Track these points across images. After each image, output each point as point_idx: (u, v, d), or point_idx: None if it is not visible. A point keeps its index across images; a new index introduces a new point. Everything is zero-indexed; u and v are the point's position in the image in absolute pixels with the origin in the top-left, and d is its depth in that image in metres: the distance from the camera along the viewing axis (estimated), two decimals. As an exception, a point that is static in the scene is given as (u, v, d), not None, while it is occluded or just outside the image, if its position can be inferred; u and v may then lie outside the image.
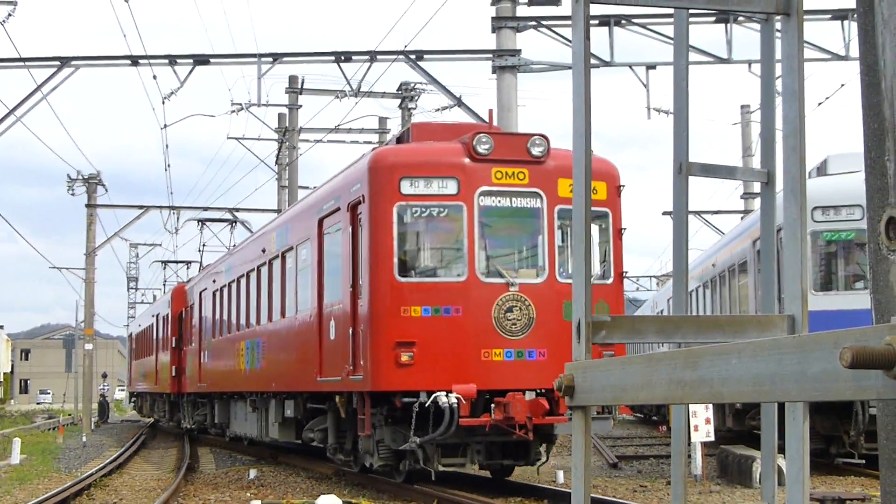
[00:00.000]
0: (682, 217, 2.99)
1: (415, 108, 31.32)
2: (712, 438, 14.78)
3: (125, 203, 44.14)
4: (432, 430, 12.45)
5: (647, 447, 24.17)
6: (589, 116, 2.50)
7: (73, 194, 41.99)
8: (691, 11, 2.99)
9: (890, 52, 1.45)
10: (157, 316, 36.24)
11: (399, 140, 15.85)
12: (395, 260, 13.27)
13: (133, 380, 49.60)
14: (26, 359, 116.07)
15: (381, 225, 13.33)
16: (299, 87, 32.87)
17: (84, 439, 34.41)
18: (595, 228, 13.87)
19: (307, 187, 27.44)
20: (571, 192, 13.00)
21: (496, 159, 13.41)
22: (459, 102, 23.92)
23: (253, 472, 19.39)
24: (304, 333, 16.69)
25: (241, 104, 31.45)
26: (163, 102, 27.41)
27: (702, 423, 14.00)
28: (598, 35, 21.37)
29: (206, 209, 42.92)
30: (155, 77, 25.25)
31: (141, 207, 43.12)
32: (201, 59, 24.02)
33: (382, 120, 35.97)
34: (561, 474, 15.57)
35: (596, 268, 13.87)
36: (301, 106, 34.30)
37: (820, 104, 27.75)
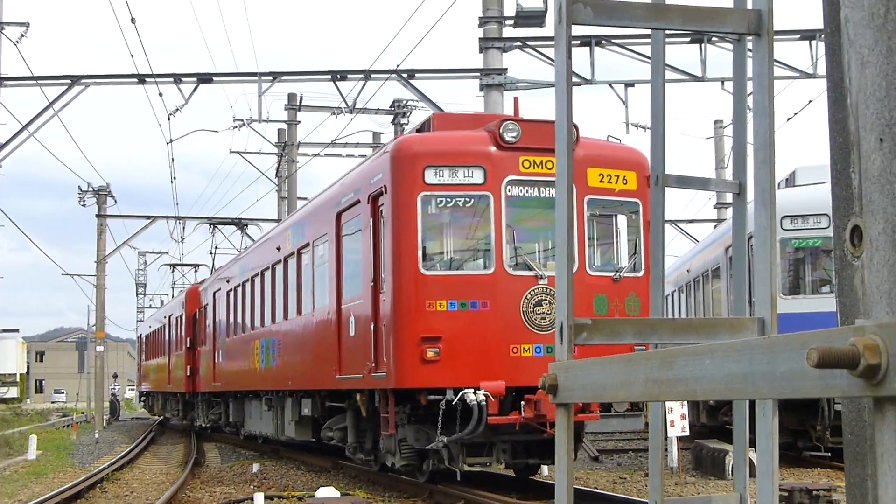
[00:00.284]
0: (658, 225, 2.99)
1: (407, 124, 31.28)
2: (687, 433, 14.80)
3: (133, 213, 44.02)
4: (459, 429, 11.34)
5: (626, 441, 24.17)
6: (570, 131, 2.50)
7: (84, 205, 42.00)
8: (668, 32, 2.99)
9: (855, 70, 1.45)
10: (170, 317, 35.18)
11: (420, 130, 14.24)
12: (420, 252, 11.97)
13: (143, 379, 48.76)
14: (41, 360, 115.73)
15: (405, 216, 12.05)
16: (298, 104, 32.97)
17: (96, 436, 34.28)
18: (623, 219, 12.95)
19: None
20: (602, 181, 12.89)
21: (523, 147, 12.10)
22: (449, 118, 23.95)
23: (256, 467, 19.34)
24: (321, 331, 15.35)
25: (242, 120, 31.48)
26: (168, 119, 27.48)
27: (677, 419, 13.98)
28: (580, 54, 21.41)
29: (210, 219, 42.92)
30: (161, 95, 25.26)
31: (148, 218, 43.16)
32: (205, 78, 24.01)
33: (376, 135, 35.94)
34: (546, 469, 15.57)
35: (624, 260, 12.87)
36: (299, 122, 34.30)
37: (789, 119, 27.83)
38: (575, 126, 12.43)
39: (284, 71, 24.66)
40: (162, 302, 54.98)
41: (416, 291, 11.94)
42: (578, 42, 20.86)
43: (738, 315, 2.69)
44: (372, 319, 12.68)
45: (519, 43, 21.25)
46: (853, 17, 1.50)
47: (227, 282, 24.36)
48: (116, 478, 18.83)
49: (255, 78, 24.28)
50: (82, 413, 57.15)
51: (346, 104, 24.22)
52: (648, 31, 2.93)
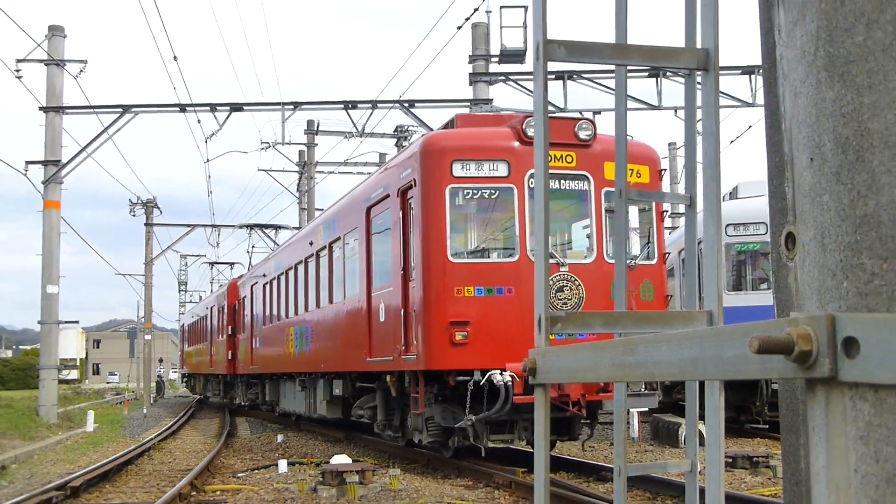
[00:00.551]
0: (622, 233, 2.98)
1: (409, 146, 31.29)
2: (646, 409, 14.79)
3: (176, 222, 44.39)
4: (487, 408, 10.60)
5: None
6: (547, 153, 2.49)
7: (134, 215, 42.06)
8: (629, 68, 2.98)
9: (789, 100, 1.45)
10: (212, 308, 34.20)
11: (445, 129, 13.18)
12: (448, 241, 11.05)
13: (186, 363, 48.11)
14: (98, 347, 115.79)
15: (434, 207, 11.14)
16: (315, 129, 33.04)
17: (145, 411, 34.21)
18: (633, 210, 11.55)
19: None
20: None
21: None
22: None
23: (280, 437, 19.32)
24: (352, 317, 14.33)
25: (268, 143, 31.33)
26: (205, 141, 27.54)
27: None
28: (555, 87, 21.39)
29: (241, 227, 43.19)
30: (199, 121, 25.22)
31: (189, 226, 43.46)
32: (236, 107, 24.02)
33: (382, 156, 35.86)
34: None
35: (636, 249, 11.86)
36: (317, 144, 34.29)
37: (732, 142, 27.92)
38: (592, 122, 11.75)
39: (304, 101, 24.66)
40: (200, 297, 54.80)
41: (444, 278, 11.05)
42: (553, 76, 20.86)
43: (690, 308, 2.69)
44: (402, 306, 11.80)
45: (503, 77, 21.25)
46: (787, 55, 1.50)
47: (264, 276, 23.53)
48: (161, 447, 18.80)
49: (279, 107, 24.27)
50: (132, 392, 57.04)
51: (357, 129, 24.21)
52: (613, 67, 2.93)
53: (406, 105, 22.93)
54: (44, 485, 12.13)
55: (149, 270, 44.84)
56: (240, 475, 13.49)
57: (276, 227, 38.33)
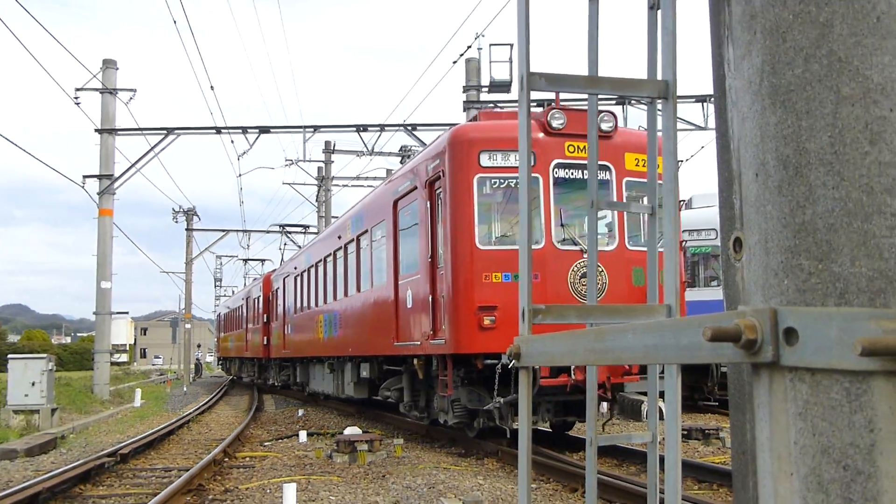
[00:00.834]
0: (593, 238, 2.97)
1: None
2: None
3: (212, 227, 44.20)
4: (514, 391, 9.50)
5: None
6: (529, 170, 2.48)
7: (176, 222, 42.04)
8: (599, 96, 2.98)
9: (737, 124, 1.45)
10: (248, 298, 32.83)
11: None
12: (476, 229, 10.03)
13: (221, 348, 47.21)
14: (144, 334, 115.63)
15: (462, 196, 10.13)
16: (332, 148, 33.06)
17: (185, 390, 34.16)
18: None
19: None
20: (637, 165, 10.66)
21: (568, 133, 10.11)
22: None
23: (301, 412, 19.28)
24: (379, 305, 13.23)
25: (291, 160, 31.25)
26: (238, 159, 27.75)
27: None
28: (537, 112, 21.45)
29: (268, 231, 43.36)
30: (232, 141, 25.37)
31: (223, 231, 43.47)
32: (264, 130, 24.01)
33: (389, 171, 35.88)
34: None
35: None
36: (333, 161, 34.29)
37: (687, 160, 27.98)
38: (613, 114, 10.76)
39: (322, 124, 24.68)
40: (233, 291, 54.60)
41: (472, 265, 10.00)
42: (536, 104, 20.88)
43: (652, 303, 2.69)
44: (429, 292, 10.77)
45: (492, 104, 21.26)
46: (735, 85, 1.50)
47: (295, 269, 22.39)
48: (199, 420, 18.76)
49: (301, 129, 24.27)
50: (174, 373, 56.96)
51: (367, 149, 24.22)
52: (585, 96, 2.92)
53: (409, 128, 22.97)
54: (97, 452, 12.10)
55: (189, 269, 44.85)
56: (266, 444, 13.46)
57: (304, 227, 38.18)
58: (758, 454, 1.31)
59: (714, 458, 10.20)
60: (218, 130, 24.00)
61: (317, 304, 18.99)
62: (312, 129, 24.18)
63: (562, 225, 10.16)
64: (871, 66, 1.18)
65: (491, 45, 19.55)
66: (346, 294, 15.89)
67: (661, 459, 2.73)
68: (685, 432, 11.67)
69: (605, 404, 11.48)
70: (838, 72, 1.21)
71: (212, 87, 25.32)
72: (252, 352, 31.29)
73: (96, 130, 24.51)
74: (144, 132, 24.27)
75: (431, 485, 8.68)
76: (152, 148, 24.01)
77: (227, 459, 11.33)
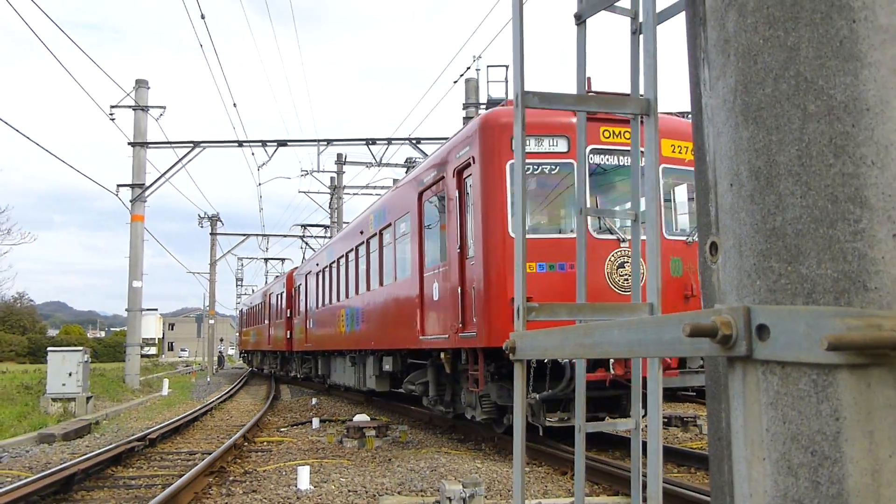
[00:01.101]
0: (582, 242, 2.97)
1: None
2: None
3: (234, 232, 44.35)
4: (549, 386, 8.52)
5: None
6: (524, 181, 2.48)
7: (201, 227, 42.06)
8: (588, 113, 2.98)
9: (712, 138, 1.44)
10: (271, 294, 31.46)
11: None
12: (509, 218, 8.69)
13: (243, 341, 45.92)
14: (172, 329, 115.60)
15: (494, 183, 8.84)
16: (343, 160, 33.10)
17: (208, 380, 34.12)
18: (684, 188, 9.58)
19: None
20: (674, 152, 9.17)
21: (604, 118, 8.77)
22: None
23: (314, 400, 19.27)
24: (403, 298, 11.94)
25: (306, 171, 31.40)
26: (258, 169, 27.79)
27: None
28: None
29: (285, 236, 43.44)
30: (253, 154, 25.49)
31: (244, 235, 43.52)
32: (282, 143, 24.02)
33: (395, 181, 35.88)
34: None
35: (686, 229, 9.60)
36: (344, 172, 34.32)
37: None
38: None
39: (335, 138, 24.72)
40: (253, 290, 54.44)
41: (505, 255, 8.70)
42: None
43: (636, 301, 2.68)
44: (458, 284, 9.52)
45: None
46: (711, 103, 1.50)
47: (317, 265, 21.07)
48: (221, 407, 18.75)
49: (316, 143, 24.30)
50: (198, 364, 56.91)
51: (376, 161, 24.23)
52: (574, 112, 2.92)
53: (414, 141, 22.99)
54: (128, 436, 12.09)
55: (212, 269, 44.85)
56: (282, 430, 13.45)
57: (326, 227, 37.53)
58: (732, 440, 1.30)
59: (692, 444, 10.18)
60: (240, 144, 24.02)
61: (338, 299, 17.77)
62: (326, 143, 24.20)
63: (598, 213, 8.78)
64: (835, 85, 1.18)
65: (488, 66, 19.54)
66: (368, 288, 14.68)
67: (644, 445, 2.72)
68: (665, 420, 11.65)
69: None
70: (805, 91, 1.21)
71: (234, 104, 25.34)
72: (274, 345, 30.43)
73: (129, 144, 24.53)
74: (173, 145, 24.30)
75: (433, 468, 8.66)
76: (180, 160, 24.04)
77: (246, 444, 11.32)
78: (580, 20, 2.86)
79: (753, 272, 1.27)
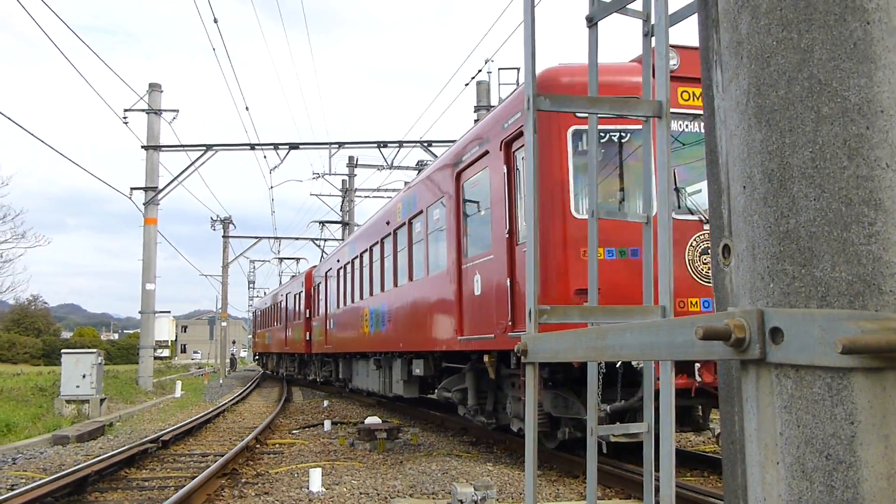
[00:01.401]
0: (594, 245, 2.96)
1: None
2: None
3: (246, 235, 44.57)
4: (621, 395, 7.13)
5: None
6: (537, 181, 2.48)
7: (213, 229, 42.34)
8: (599, 115, 2.98)
9: (725, 140, 1.44)
10: (289, 294, 29.69)
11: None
12: (571, 195, 7.25)
13: (257, 343, 43.85)
14: (185, 331, 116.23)
15: (553, 154, 7.33)
16: (354, 163, 33.21)
17: (220, 382, 34.27)
18: None
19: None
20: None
21: (682, 77, 7.19)
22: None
23: (326, 402, 19.30)
24: (438, 293, 10.50)
25: (318, 173, 31.47)
26: (270, 172, 27.89)
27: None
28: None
29: (297, 238, 43.67)
30: (265, 157, 25.72)
31: (256, 237, 43.70)
32: (294, 146, 24.11)
33: (406, 184, 35.85)
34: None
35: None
36: (356, 175, 34.39)
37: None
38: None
39: (346, 141, 24.78)
40: (264, 293, 54.40)
41: (567, 237, 7.25)
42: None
43: (648, 304, 2.67)
44: (507, 275, 8.14)
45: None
46: (724, 105, 1.49)
47: (338, 261, 19.35)
48: (233, 409, 18.82)
49: (327, 146, 24.38)
50: (211, 367, 57.22)
51: (387, 163, 24.29)
52: (586, 115, 2.92)
53: (425, 144, 23.02)
54: (141, 438, 12.16)
55: (225, 272, 45.09)
56: (294, 432, 13.48)
57: (345, 224, 36.71)
58: (746, 444, 1.30)
59: (705, 448, 10.12)
60: (252, 147, 24.14)
61: (362, 297, 16.15)
62: (337, 146, 24.28)
63: (676, 188, 7.37)
64: (849, 87, 1.17)
65: (500, 69, 19.60)
66: (395, 284, 13.14)
67: (657, 450, 2.71)
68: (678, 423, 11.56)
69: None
70: (818, 93, 1.21)
71: (247, 107, 25.59)
72: (292, 347, 28.88)
73: (142, 147, 24.73)
74: (186, 148, 24.47)
75: (445, 470, 8.66)
76: (193, 163, 24.19)
77: (258, 446, 11.36)
78: (592, 23, 2.86)
79: (767, 275, 1.27)
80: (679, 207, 7.41)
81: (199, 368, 57.33)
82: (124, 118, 23.71)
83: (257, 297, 59.39)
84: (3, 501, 6.75)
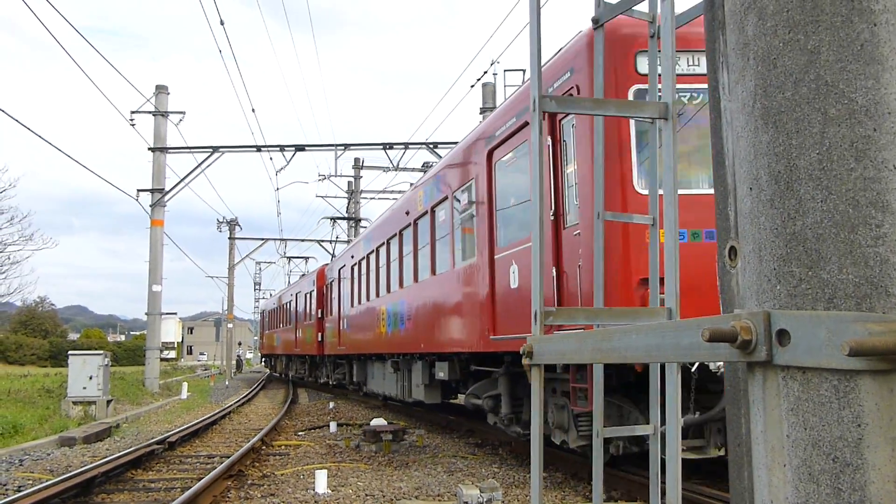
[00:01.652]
0: (600, 246, 2.96)
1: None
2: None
3: (252, 236, 44.61)
4: (695, 405, 6.23)
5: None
6: (542, 186, 2.48)
7: (220, 231, 42.41)
8: (606, 116, 2.98)
9: (732, 142, 1.44)
10: (299, 293, 28.27)
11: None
12: (635, 167, 6.17)
13: (266, 345, 42.25)
14: (191, 333, 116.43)
15: (612, 121, 6.08)
16: (360, 164, 33.26)
17: (227, 383, 34.34)
18: None
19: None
20: None
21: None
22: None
23: (332, 404, 19.31)
24: (466, 287, 9.43)
25: (324, 175, 31.54)
26: (276, 174, 27.85)
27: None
28: (547, 132, 21.33)
29: (302, 240, 43.67)
30: (271, 158, 25.72)
31: (262, 239, 43.81)
32: (300, 148, 24.18)
33: (411, 185, 35.82)
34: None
35: None
36: (362, 176, 34.44)
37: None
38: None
39: (352, 143, 24.84)
40: (270, 294, 54.28)
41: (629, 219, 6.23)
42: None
43: (654, 305, 2.67)
44: (552, 263, 7.01)
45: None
46: (730, 107, 1.49)
47: (352, 258, 17.97)
48: (239, 411, 18.85)
49: (333, 148, 24.43)
50: (217, 368, 57.33)
51: (392, 165, 24.33)
52: (592, 117, 2.92)
53: (431, 146, 23.03)
54: (148, 440, 12.20)
55: (231, 274, 45.16)
56: (300, 433, 13.50)
57: (357, 220, 36.00)
58: (752, 447, 1.29)
59: (711, 450, 10.05)
60: (258, 148, 24.21)
61: (378, 294, 14.94)
62: (343, 147, 24.33)
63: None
64: (856, 89, 1.17)
65: (506, 70, 19.59)
66: (415, 279, 12.02)
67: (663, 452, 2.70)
68: (685, 425, 11.51)
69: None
70: (825, 94, 1.20)
71: (253, 109, 25.57)
72: (302, 348, 27.15)
73: (149, 149, 24.82)
74: (192, 150, 24.54)
75: (450, 472, 8.66)
76: (199, 164, 24.27)
77: (264, 447, 11.38)
78: (598, 24, 2.86)
79: (773, 277, 1.26)
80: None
81: (206, 370, 57.46)
82: (131, 120, 23.81)
83: (263, 298, 59.38)
84: (10, 503, 6.78)
